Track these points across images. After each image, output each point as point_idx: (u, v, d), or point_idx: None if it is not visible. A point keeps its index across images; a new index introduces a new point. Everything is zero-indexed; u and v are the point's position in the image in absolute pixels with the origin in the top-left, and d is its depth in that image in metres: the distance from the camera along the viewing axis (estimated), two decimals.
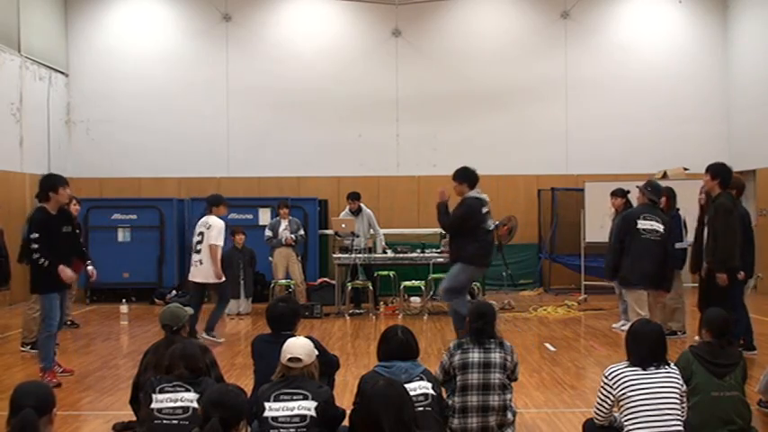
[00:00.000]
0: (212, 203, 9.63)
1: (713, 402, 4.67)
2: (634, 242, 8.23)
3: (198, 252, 9.43)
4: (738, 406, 4.72)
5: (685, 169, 13.43)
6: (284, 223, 11.99)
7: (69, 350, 9.08)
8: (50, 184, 7.31)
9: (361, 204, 12.22)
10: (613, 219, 10.20)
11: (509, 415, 5.01)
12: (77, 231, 8.15)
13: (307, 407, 4.11)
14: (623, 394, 4.30)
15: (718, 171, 7.76)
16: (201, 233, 9.45)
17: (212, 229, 9.37)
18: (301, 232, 12.19)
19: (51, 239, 7.17)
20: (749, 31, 14.78)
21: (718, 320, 4.94)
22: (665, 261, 8.23)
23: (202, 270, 9.36)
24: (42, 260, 7.08)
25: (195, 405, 4.23)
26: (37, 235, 7.10)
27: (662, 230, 8.20)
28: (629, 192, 10.13)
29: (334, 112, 15.38)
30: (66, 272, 7.20)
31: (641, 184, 8.68)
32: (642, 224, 8.24)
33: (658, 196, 8.57)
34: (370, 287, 11.80)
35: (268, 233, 12.00)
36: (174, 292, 13.28)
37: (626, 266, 8.33)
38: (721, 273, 7.57)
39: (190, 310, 5.72)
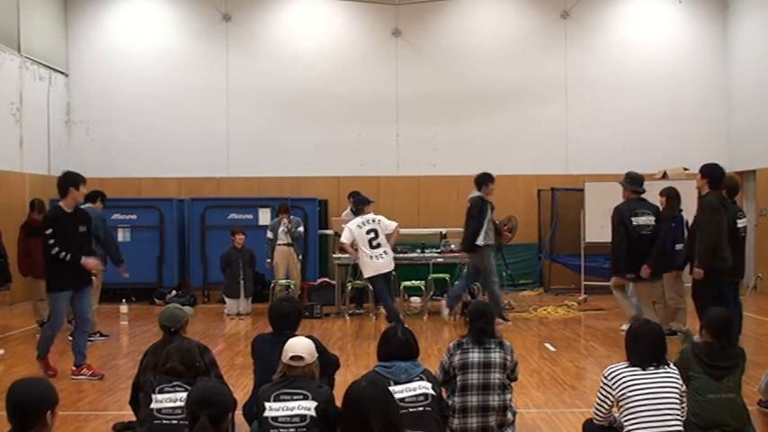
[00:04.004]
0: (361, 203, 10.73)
1: (709, 404, 4.69)
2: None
3: (377, 246, 10.15)
4: (734, 408, 4.73)
5: (685, 169, 13.40)
6: (283, 224, 11.99)
7: (70, 350, 9.06)
8: (71, 180, 7.45)
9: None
10: None
11: (509, 415, 5.01)
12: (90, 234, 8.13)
13: (307, 407, 4.11)
14: (623, 394, 4.30)
15: (709, 171, 7.96)
16: (374, 229, 10.19)
17: (382, 220, 10.36)
18: (300, 229, 12.20)
19: (65, 237, 7.23)
20: (749, 31, 14.77)
21: (719, 321, 4.93)
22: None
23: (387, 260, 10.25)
24: (63, 254, 7.19)
25: None
26: (51, 230, 7.20)
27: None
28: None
29: (334, 112, 15.38)
30: (89, 262, 7.38)
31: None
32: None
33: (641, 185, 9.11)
34: (371, 287, 11.77)
35: (269, 235, 12.02)
36: (173, 292, 13.28)
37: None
38: (698, 267, 7.68)
39: (189, 310, 5.71)
